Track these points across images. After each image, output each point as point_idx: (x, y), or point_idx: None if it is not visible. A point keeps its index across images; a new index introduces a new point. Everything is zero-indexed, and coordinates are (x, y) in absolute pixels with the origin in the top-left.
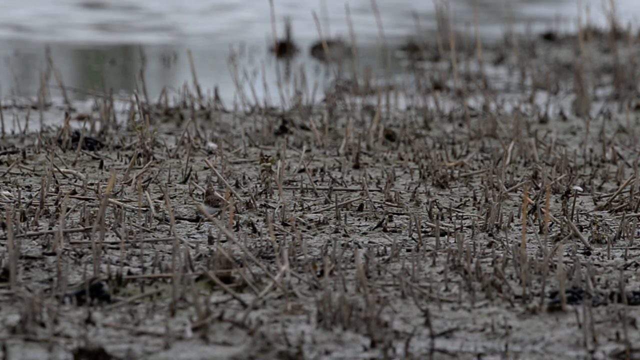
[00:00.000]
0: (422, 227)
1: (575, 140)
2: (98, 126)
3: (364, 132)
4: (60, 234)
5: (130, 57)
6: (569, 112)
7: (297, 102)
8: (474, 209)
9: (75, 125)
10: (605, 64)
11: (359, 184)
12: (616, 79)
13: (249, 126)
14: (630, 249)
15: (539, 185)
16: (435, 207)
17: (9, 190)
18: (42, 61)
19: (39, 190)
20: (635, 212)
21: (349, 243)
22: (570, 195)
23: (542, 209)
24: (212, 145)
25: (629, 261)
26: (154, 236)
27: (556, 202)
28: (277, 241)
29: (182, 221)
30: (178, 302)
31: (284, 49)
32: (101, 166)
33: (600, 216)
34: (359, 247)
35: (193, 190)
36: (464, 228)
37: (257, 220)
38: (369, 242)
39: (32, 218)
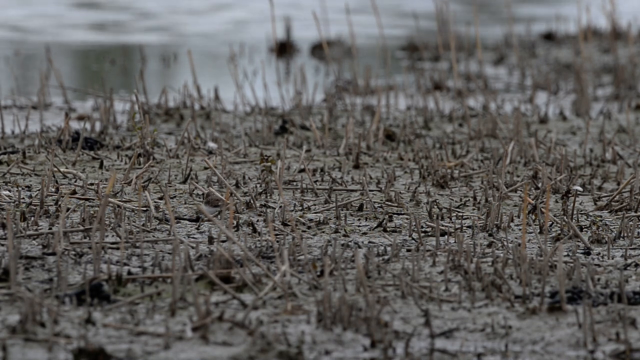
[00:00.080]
0: (422, 227)
1: (575, 140)
2: (98, 126)
3: (364, 132)
4: (60, 234)
5: (130, 57)
6: (569, 112)
7: (297, 102)
8: (474, 209)
9: (75, 125)
10: (605, 64)
11: (359, 184)
12: (616, 79)
13: (249, 126)
14: (630, 249)
15: (539, 185)
16: (435, 207)
17: (9, 190)
18: (42, 61)
19: (39, 190)
20: (635, 212)
21: (349, 243)
22: (570, 195)
23: (542, 209)
24: (212, 145)
25: (629, 261)
26: (154, 236)
27: (556, 202)
28: (277, 241)
29: (182, 221)
30: (178, 302)
31: (284, 49)
32: (101, 166)
33: (600, 216)
34: (359, 247)
35: (193, 190)
36: (464, 228)
37: (257, 220)
38: (369, 242)
39: (32, 218)
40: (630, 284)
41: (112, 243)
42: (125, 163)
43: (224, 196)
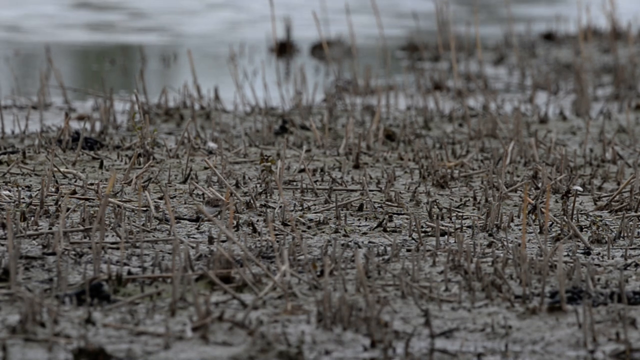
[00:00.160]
0: (422, 227)
1: (575, 140)
2: (98, 126)
3: (364, 132)
4: (60, 234)
5: (130, 57)
6: (569, 112)
7: (297, 102)
8: (474, 209)
9: (75, 125)
10: (605, 64)
11: (359, 184)
12: (616, 79)
13: (249, 126)
14: (630, 249)
15: (539, 185)
16: (435, 207)
17: (9, 190)
18: (42, 61)
19: (39, 190)
20: (635, 212)
21: (349, 243)
22: (570, 195)
23: (542, 209)
24: (212, 145)
25: (629, 261)
26: (154, 236)
27: (556, 202)
28: (277, 241)
29: (182, 221)
30: (178, 302)
31: (284, 49)
32: (101, 166)
33: (600, 216)
34: (359, 247)
35: (193, 190)
36: (464, 228)
37: (257, 220)
38: (369, 242)
39: (32, 218)
40: (630, 284)
41: (112, 243)
42: (125, 163)
43: (224, 196)
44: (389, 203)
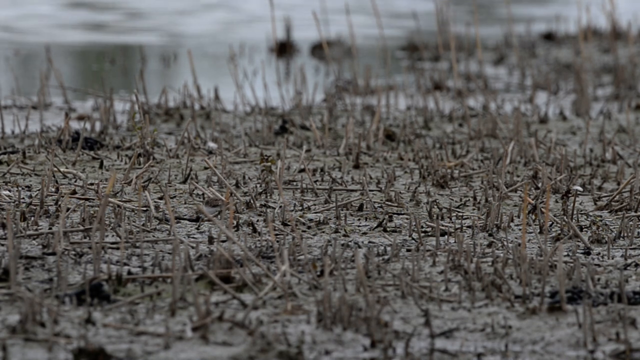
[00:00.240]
0: (422, 227)
1: (575, 140)
2: (98, 126)
3: (364, 132)
4: (60, 234)
5: (130, 57)
6: (569, 112)
7: (297, 102)
8: (474, 209)
9: (75, 125)
10: (605, 64)
11: (359, 183)
12: (616, 79)
13: (249, 126)
14: (630, 248)
15: (539, 185)
16: (435, 207)
17: (9, 190)
18: (42, 61)
19: (39, 190)
20: (635, 212)
21: (349, 243)
22: (570, 195)
23: (542, 209)
24: (212, 145)
25: (629, 261)
26: (154, 236)
27: (556, 202)
28: (277, 241)
29: (182, 221)
30: (178, 302)
31: (284, 49)
32: (101, 166)
33: (600, 216)
34: (359, 247)
35: (193, 190)
36: (464, 228)
37: (257, 220)
38: (369, 242)
39: (32, 218)
40: (630, 284)
41: (112, 243)
42: (125, 163)
43: (224, 196)
44: (389, 203)
